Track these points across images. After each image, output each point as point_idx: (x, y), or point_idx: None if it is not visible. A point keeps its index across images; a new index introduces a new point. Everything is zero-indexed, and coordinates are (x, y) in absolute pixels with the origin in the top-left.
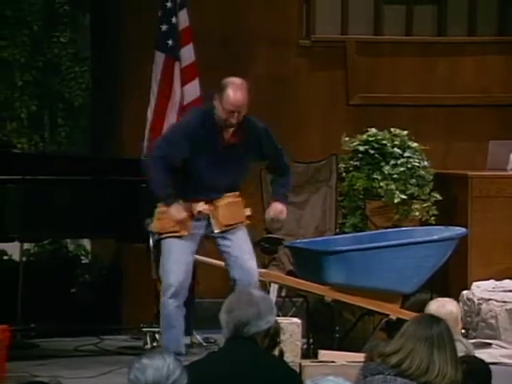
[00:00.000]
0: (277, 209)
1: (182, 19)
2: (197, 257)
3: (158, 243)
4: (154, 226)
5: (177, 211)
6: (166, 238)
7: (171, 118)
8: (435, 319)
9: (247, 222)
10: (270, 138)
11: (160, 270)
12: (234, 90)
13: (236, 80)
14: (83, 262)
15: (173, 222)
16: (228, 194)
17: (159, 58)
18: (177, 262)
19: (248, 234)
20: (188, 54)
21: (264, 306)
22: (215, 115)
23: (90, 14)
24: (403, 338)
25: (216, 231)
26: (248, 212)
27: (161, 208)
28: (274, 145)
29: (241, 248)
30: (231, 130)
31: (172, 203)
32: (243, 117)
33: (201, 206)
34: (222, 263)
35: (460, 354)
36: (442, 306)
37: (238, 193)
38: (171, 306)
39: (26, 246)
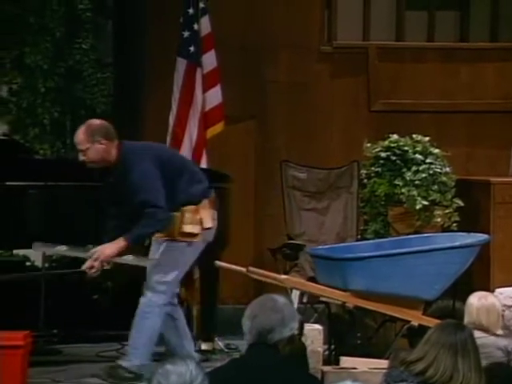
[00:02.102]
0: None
1: (204, 26)
2: (218, 263)
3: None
4: None
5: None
6: None
7: (193, 124)
8: (459, 326)
9: (181, 238)
10: (131, 180)
11: None
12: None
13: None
14: (105, 267)
15: None
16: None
17: (181, 64)
18: None
19: (172, 249)
20: (210, 60)
21: (288, 312)
22: None
23: (113, 20)
24: (427, 345)
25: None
26: (189, 229)
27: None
28: (133, 188)
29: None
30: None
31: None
32: (122, 158)
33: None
34: (243, 269)
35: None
36: (485, 299)
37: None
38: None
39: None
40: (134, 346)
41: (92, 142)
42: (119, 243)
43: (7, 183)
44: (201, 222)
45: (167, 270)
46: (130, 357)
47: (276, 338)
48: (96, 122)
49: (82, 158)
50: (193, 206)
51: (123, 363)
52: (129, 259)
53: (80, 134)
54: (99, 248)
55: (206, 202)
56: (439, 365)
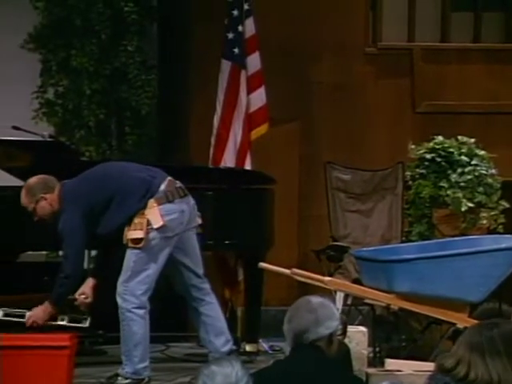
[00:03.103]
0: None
1: (249, 27)
2: (262, 264)
3: None
4: None
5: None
6: None
7: (237, 126)
8: (486, 325)
9: (131, 245)
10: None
11: None
12: None
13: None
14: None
15: None
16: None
17: (225, 66)
18: None
19: (128, 256)
20: (254, 62)
21: (322, 312)
22: None
23: (158, 22)
24: (459, 348)
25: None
26: (132, 235)
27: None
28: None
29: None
30: None
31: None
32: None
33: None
34: (287, 271)
35: None
36: None
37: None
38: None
39: (94, 252)
40: (123, 354)
41: (35, 201)
42: (47, 308)
43: None
44: (148, 224)
45: (127, 275)
46: (123, 365)
47: (311, 337)
48: (32, 180)
49: (35, 218)
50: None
51: (119, 371)
52: (63, 322)
53: (23, 198)
54: (31, 313)
55: (151, 201)
56: (476, 368)
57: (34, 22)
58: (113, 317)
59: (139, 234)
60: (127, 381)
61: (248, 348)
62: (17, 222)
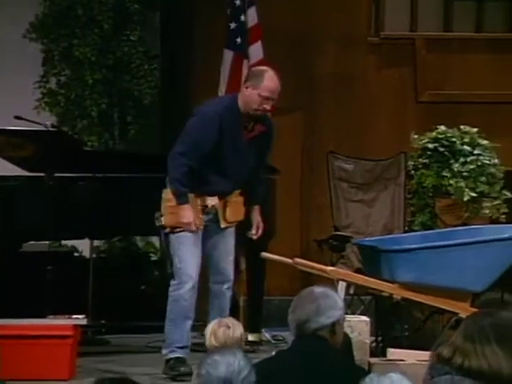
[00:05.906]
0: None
1: (251, 17)
2: (265, 254)
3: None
4: (167, 220)
5: (187, 214)
6: (179, 231)
7: None
8: (481, 315)
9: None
10: (272, 140)
11: (175, 264)
12: (273, 77)
13: (270, 68)
14: (152, 259)
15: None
16: (236, 192)
17: (228, 55)
18: (194, 255)
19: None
20: (256, 51)
21: (324, 301)
22: (240, 106)
23: (160, 12)
24: (456, 338)
25: (222, 226)
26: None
27: (172, 202)
28: (270, 147)
29: (224, 248)
30: (252, 123)
31: (184, 203)
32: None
33: (214, 200)
34: (290, 261)
35: None
36: None
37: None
38: (191, 299)
39: (96, 243)
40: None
41: None
42: (258, 209)
43: (57, 175)
44: None
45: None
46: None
47: (313, 327)
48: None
49: (268, 107)
50: None
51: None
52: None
53: (279, 84)
54: (259, 219)
55: None
56: (469, 357)
57: (36, 11)
58: (116, 306)
59: None
60: None
61: (250, 338)
62: (20, 212)
